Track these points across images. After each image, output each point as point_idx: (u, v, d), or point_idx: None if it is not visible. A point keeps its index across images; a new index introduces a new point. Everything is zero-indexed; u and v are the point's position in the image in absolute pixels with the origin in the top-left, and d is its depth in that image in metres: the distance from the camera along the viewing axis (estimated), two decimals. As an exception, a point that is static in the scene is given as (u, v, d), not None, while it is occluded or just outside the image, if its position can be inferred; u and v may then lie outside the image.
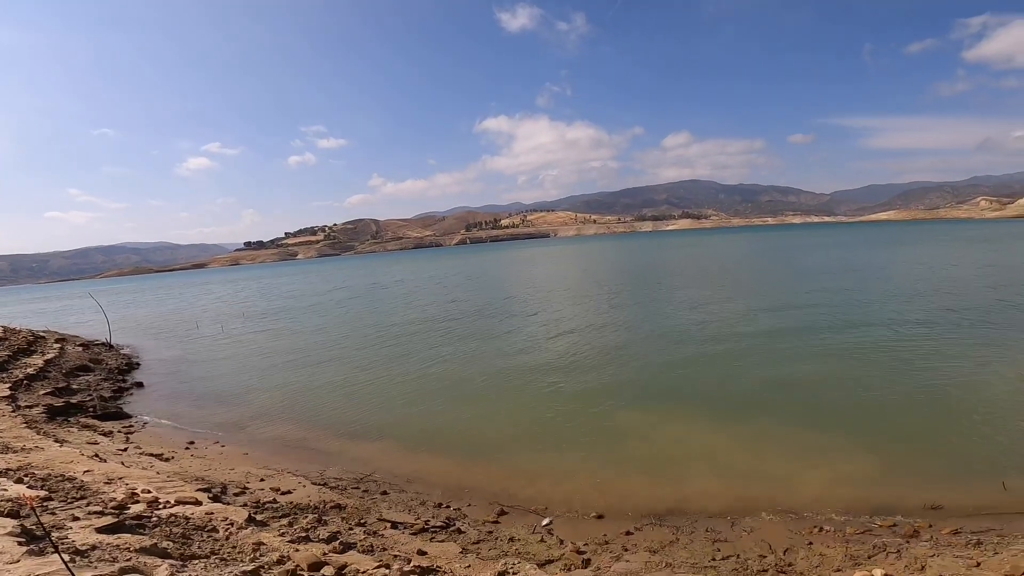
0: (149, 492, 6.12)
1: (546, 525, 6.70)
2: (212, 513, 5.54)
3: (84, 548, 4.17)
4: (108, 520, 4.75)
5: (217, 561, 4.27)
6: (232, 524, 5.26)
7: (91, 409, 12.82)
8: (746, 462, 8.34)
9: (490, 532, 6.44)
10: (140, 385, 16.43)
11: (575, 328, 20.14)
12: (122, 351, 23.07)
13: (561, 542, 6.12)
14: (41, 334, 24.72)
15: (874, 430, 9.19)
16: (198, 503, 5.86)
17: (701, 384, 12.55)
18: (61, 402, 12.80)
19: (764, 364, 13.68)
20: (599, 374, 13.88)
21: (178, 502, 5.80)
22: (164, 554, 4.15)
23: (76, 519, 5.01)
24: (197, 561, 4.19)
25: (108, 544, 4.13)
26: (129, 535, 4.40)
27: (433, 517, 6.89)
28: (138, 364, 20.16)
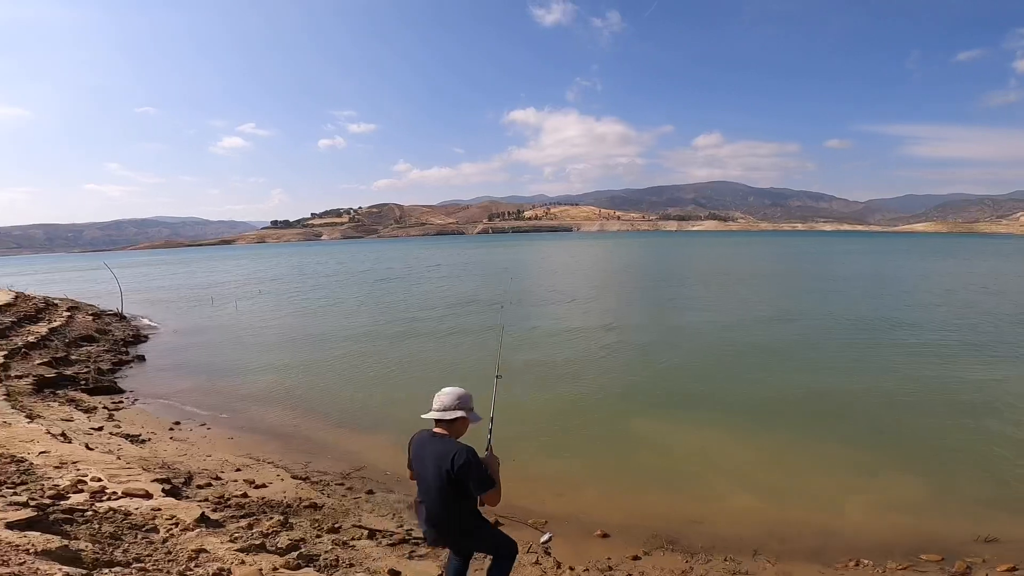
0: (99, 480, 5.46)
1: (544, 543, 5.89)
2: (159, 509, 4.85)
3: (-22, 549, 3.49)
4: (27, 513, 4.06)
5: (135, 572, 3.55)
6: (177, 524, 4.55)
7: (83, 382, 12.32)
8: (772, 480, 7.45)
9: (479, 548, 5.65)
10: (142, 359, 15.98)
11: (594, 325, 19.24)
12: (132, 323, 22.80)
13: (558, 565, 5.31)
14: (55, 301, 24.58)
15: (916, 450, 8.27)
16: (148, 496, 5.17)
17: (726, 392, 11.58)
18: (53, 373, 12.32)
19: (794, 372, 12.68)
20: (616, 376, 13.01)
21: (126, 494, 5.11)
22: (71, 560, 3.44)
23: (-5, 510, 4.36)
24: (108, 571, 3.47)
25: (5, 543, 3.43)
26: (39, 534, 3.70)
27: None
28: (146, 337, 19.79)
